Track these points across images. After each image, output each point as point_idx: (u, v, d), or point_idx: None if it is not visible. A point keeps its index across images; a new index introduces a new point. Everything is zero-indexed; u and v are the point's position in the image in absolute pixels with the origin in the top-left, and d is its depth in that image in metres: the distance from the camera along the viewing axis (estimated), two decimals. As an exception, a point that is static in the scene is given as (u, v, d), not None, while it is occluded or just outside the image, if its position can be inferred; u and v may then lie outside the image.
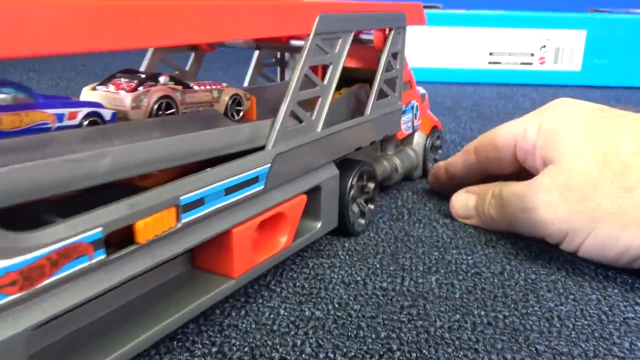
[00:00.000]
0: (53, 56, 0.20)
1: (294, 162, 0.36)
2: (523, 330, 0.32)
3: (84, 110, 0.30)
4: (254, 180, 0.33)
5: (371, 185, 0.46)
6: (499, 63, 1.30)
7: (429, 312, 0.34)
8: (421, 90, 0.59)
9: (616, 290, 0.37)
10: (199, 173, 0.29)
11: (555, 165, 0.40)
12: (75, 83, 1.18)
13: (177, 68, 0.47)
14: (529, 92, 1.19)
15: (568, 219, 0.38)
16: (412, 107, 0.55)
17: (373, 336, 0.31)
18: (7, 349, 0.21)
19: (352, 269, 0.39)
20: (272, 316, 0.33)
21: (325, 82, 0.39)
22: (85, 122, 0.30)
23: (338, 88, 0.41)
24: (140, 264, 0.26)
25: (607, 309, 0.35)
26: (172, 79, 0.35)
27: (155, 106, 0.32)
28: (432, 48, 1.28)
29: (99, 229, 0.24)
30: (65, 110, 0.29)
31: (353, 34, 0.41)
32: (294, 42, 0.47)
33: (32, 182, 0.22)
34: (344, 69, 0.40)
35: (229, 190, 0.31)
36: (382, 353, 0.30)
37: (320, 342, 0.31)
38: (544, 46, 1.28)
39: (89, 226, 0.23)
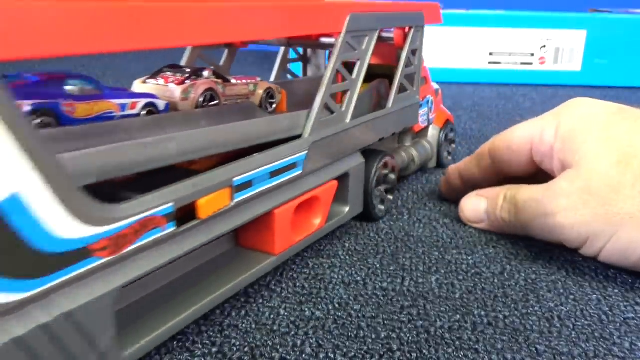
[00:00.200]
0: (53, 57, 0.21)
1: (326, 150, 0.40)
2: (523, 331, 0.32)
3: (143, 101, 0.33)
4: (293, 166, 0.36)
5: (392, 176, 0.49)
6: (499, 63, 1.30)
7: (429, 312, 0.34)
8: (435, 85, 0.62)
9: (616, 290, 0.37)
10: (248, 158, 0.33)
11: (574, 169, 0.39)
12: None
13: (212, 63, 0.50)
14: (529, 92, 1.19)
15: (588, 223, 0.37)
16: (428, 102, 0.58)
17: (373, 336, 0.31)
18: (100, 305, 0.24)
19: (352, 269, 0.39)
20: (272, 316, 0.33)
21: (354, 76, 0.42)
22: (144, 112, 0.33)
23: None
24: (201, 238, 0.30)
25: (607, 309, 0.35)
26: (214, 73, 0.38)
27: (201, 98, 0.36)
28: (432, 48, 1.28)
29: (171, 204, 0.27)
30: (128, 101, 0.32)
31: (378, 32, 0.44)
32: (324, 40, 0.51)
33: (118, 161, 0.26)
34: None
35: (273, 174, 0.34)
36: (382, 353, 0.30)
37: (320, 342, 0.31)
38: (544, 46, 1.28)
39: (163, 201, 0.26)
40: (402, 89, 0.50)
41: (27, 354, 0.21)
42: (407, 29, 0.50)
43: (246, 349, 0.30)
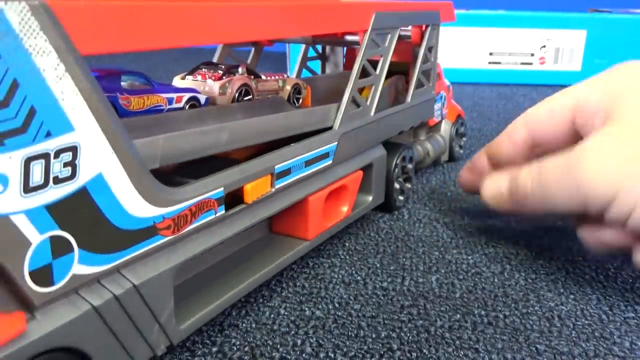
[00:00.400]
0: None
1: (353, 141, 0.42)
2: (523, 330, 0.32)
3: (187, 95, 0.36)
4: (325, 156, 0.38)
5: (410, 165, 0.51)
6: (499, 63, 1.30)
7: (430, 312, 0.34)
8: (446, 82, 0.64)
9: (616, 290, 0.37)
10: (286, 147, 0.35)
11: (610, 125, 0.36)
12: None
13: (240, 61, 0.51)
14: (529, 92, 1.19)
15: (619, 176, 0.33)
16: (441, 97, 0.60)
17: (373, 336, 0.31)
18: (163, 280, 0.26)
19: (353, 268, 0.39)
20: (272, 316, 0.33)
21: (377, 72, 0.44)
22: (187, 106, 0.35)
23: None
24: (246, 221, 0.32)
25: (607, 308, 0.35)
26: (247, 69, 0.40)
27: (237, 93, 0.38)
28: (438, 47, 1.28)
29: (222, 189, 0.29)
30: (174, 95, 0.35)
31: (399, 30, 0.46)
32: (348, 37, 0.52)
33: (179, 147, 0.28)
34: (376, 61, 0.44)
35: (308, 163, 0.36)
36: (382, 353, 0.30)
37: (320, 341, 0.31)
38: (544, 46, 1.28)
39: (215, 186, 0.28)
40: (419, 85, 0.52)
41: (101, 323, 0.23)
42: (424, 27, 0.52)
43: (246, 349, 0.30)
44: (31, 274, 0.20)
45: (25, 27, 0.18)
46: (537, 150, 0.43)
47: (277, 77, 0.43)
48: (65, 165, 0.20)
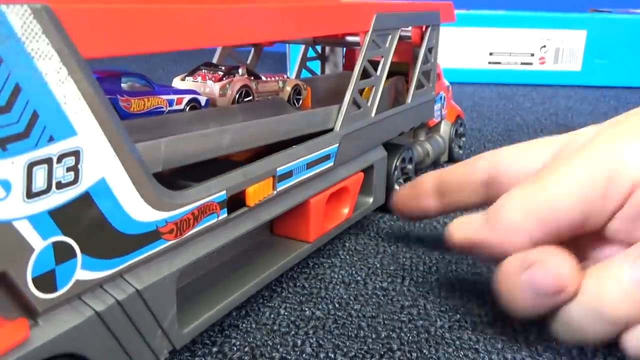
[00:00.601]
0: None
1: (354, 142, 0.42)
2: (523, 330, 0.32)
3: (187, 97, 0.35)
4: (326, 158, 0.38)
5: (410, 166, 0.51)
6: (499, 63, 1.30)
7: (430, 312, 0.34)
8: (446, 82, 0.64)
9: (616, 290, 0.37)
10: (288, 149, 0.34)
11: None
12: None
13: (240, 62, 0.51)
14: (529, 92, 1.19)
15: None
16: (441, 98, 0.60)
17: (373, 336, 0.31)
18: (165, 285, 0.26)
19: (353, 268, 0.39)
20: (272, 316, 0.33)
21: (378, 73, 0.44)
22: (187, 107, 0.35)
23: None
24: (249, 224, 0.31)
25: (607, 308, 0.35)
26: (247, 71, 0.40)
27: (237, 94, 0.38)
28: (438, 47, 1.28)
29: (224, 192, 0.29)
30: (174, 97, 0.35)
31: (400, 30, 0.46)
32: (349, 38, 0.52)
33: (182, 151, 0.28)
34: (376, 61, 0.44)
35: (309, 165, 0.36)
36: (382, 353, 0.30)
37: (320, 341, 0.31)
38: (544, 46, 1.28)
39: (218, 189, 0.28)
40: (419, 85, 0.52)
41: (104, 328, 0.23)
42: (424, 28, 0.52)
43: (246, 349, 0.30)
44: (34, 280, 0.20)
45: (28, 30, 0.18)
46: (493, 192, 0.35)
47: (277, 78, 0.43)
48: (68, 170, 0.20)
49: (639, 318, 0.26)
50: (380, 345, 0.31)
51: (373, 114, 0.44)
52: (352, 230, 0.45)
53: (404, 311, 0.34)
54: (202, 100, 0.37)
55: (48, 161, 0.19)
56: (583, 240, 0.30)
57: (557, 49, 1.28)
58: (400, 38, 0.50)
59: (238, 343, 0.30)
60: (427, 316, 0.33)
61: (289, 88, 0.43)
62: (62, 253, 0.21)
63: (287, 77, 0.44)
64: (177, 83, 0.38)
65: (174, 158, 0.28)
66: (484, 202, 0.36)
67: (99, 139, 0.21)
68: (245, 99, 0.39)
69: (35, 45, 0.18)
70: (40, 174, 0.19)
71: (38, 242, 0.20)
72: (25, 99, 0.18)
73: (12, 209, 0.19)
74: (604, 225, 0.29)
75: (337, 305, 0.34)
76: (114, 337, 0.23)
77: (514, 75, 1.30)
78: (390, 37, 0.44)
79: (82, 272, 0.22)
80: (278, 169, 0.33)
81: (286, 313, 0.33)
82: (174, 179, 0.29)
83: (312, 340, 0.31)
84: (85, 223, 0.21)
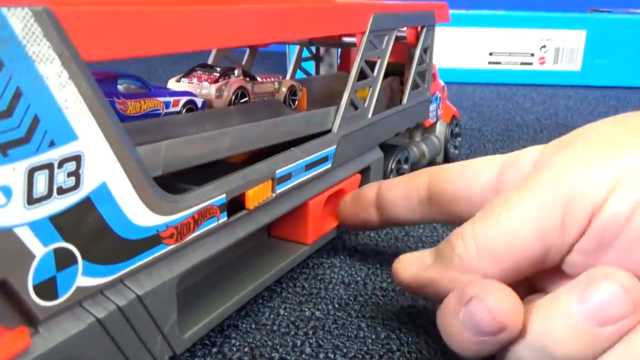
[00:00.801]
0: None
1: (352, 144, 0.42)
2: (522, 331, 0.32)
3: (184, 99, 0.35)
4: (324, 159, 0.38)
5: (406, 166, 0.51)
6: (499, 63, 1.30)
7: (429, 312, 0.34)
8: (441, 82, 0.64)
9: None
10: (287, 151, 0.35)
11: (571, 144, 0.28)
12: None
13: (235, 62, 0.51)
14: (529, 92, 1.19)
15: (620, 153, 0.24)
16: (437, 98, 0.60)
17: (373, 336, 0.31)
18: (166, 290, 0.25)
19: (352, 269, 0.39)
20: (272, 316, 0.33)
21: (375, 74, 0.44)
22: (184, 109, 0.35)
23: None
24: (248, 227, 0.31)
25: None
26: (242, 72, 0.40)
27: (233, 96, 0.38)
28: (434, 48, 1.28)
29: (224, 195, 0.28)
30: (171, 99, 0.34)
31: (396, 31, 0.46)
32: (345, 39, 0.52)
33: (182, 154, 0.28)
34: (373, 62, 0.44)
35: (308, 167, 0.36)
36: (382, 353, 0.30)
37: (320, 342, 0.31)
38: (544, 46, 1.28)
39: (218, 192, 0.28)
40: (415, 86, 0.52)
41: (105, 335, 0.23)
42: (419, 28, 0.52)
43: (246, 349, 0.30)
44: (35, 287, 0.20)
45: (29, 33, 0.18)
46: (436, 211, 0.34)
47: (272, 79, 0.43)
48: (69, 175, 0.20)
49: (591, 356, 0.23)
50: (380, 346, 0.31)
51: (370, 115, 0.44)
52: (352, 230, 0.45)
53: (403, 311, 0.34)
54: (199, 102, 0.36)
55: (49, 166, 0.19)
56: (537, 274, 0.27)
57: (557, 49, 1.28)
58: (395, 38, 0.51)
59: (237, 343, 0.31)
60: (426, 316, 0.33)
61: (284, 89, 0.43)
62: (63, 259, 0.20)
63: (283, 78, 0.44)
64: (173, 84, 0.38)
65: (175, 161, 0.28)
66: (423, 220, 0.35)
67: (100, 143, 0.21)
68: (241, 101, 0.39)
69: (37, 48, 0.18)
70: (41, 179, 0.19)
71: (39, 249, 0.19)
72: (27, 104, 0.18)
73: (13, 216, 0.18)
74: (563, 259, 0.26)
75: (336, 306, 0.34)
76: (114, 343, 0.23)
77: (514, 75, 1.30)
78: (387, 37, 0.45)
79: (83, 279, 0.21)
80: (277, 171, 0.33)
81: (286, 313, 0.33)
82: (172, 181, 0.29)
83: (311, 341, 0.31)
84: (86, 229, 0.21)
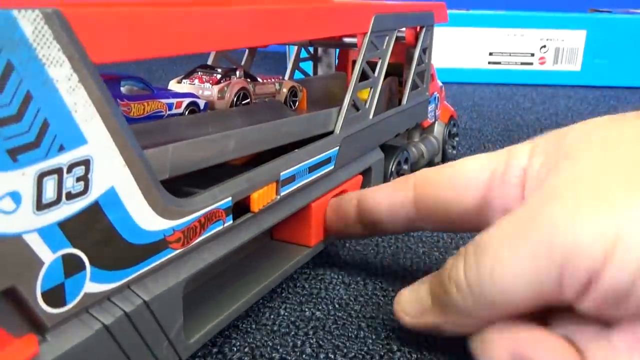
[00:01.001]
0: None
1: (354, 145, 0.41)
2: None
3: (187, 100, 0.35)
4: (327, 161, 0.38)
5: (406, 167, 0.51)
6: (499, 63, 1.30)
7: (429, 313, 0.34)
8: (439, 82, 0.64)
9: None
10: (291, 153, 0.34)
11: (569, 162, 0.27)
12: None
13: (235, 63, 0.51)
14: (529, 92, 1.19)
15: (617, 222, 0.23)
16: (435, 98, 0.60)
17: (373, 337, 0.32)
18: (172, 295, 0.25)
19: (353, 269, 0.39)
20: (272, 316, 0.33)
21: (376, 74, 0.44)
22: (187, 111, 0.35)
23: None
24: (253, 230, 0.31)
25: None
26: (244, 73, 0.40)
27: (235, 97, 0.38)
28: (432, 48, 1.28)
29: (229, 198, 0.28)
30: (174, 100, 0.34)
31: (396, 31, 0.46)
32: (345, 39, 0.52)
33: (189, 157, 0.28)
34: (372, 62, 0.44)
35: (311, 169, 0.36)
36: (382, 354, 0.30)
37: (320, 342, 0.31)
38: (544, 46, 1.28)
39: (224, 195, 0.28)
40: (414, 86, 0.52)
41: (112, 341, 0.22)
42: (418, 29, 0.52)
43: (246, 349, 0.30)
44: (43, 295, 0.19)
45: (39, 36, 0.18)
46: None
47: (273, 80, 0.43)
48: (78, 180, 0.20)
49: None
50: (380, 346, 0.31)
51: (371, 116, 0.44)
52: (352, 231, 0.45)
53: (403, 312, 0.34)
54: (201, 103, 0.36)
55: (58, 171, 0.19)
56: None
57: (557, 49, 1.28)
58: (397, 39, 0.51)
59: (238, 344, 0.31)
60: (426, 317, 0.34)
61: (285, 90, 0.43)
62: (71, 266, 0.20)
63: (283, 79, 0.44)
64: (174, 86, 0.38)
65: (182, 164, 0.28)
66: (410, 229, 0.35)
67: (108, 147, 0.21)
68: (243, 102, 0.39)
69: (47, 51, 0.18)
70: (50, 184, 0.19)
71: (47, 256, 0.19)
72: (36, 108, 0.18)
73: (22, 222, 0.18)
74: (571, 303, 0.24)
75: (337, 306, 0.34)
76: (121, 349, 0.23)
77: (514, 75, 1.30)
78: (387, 38, 0.45)
79: (91, 285, 0.21)
80: (281, 174, 0.33)
81: (286, 313, 0.33)
82: (175, 185, 0.29)
83: (312, 341, 0.31)
84: (95, 234, 0.21)
